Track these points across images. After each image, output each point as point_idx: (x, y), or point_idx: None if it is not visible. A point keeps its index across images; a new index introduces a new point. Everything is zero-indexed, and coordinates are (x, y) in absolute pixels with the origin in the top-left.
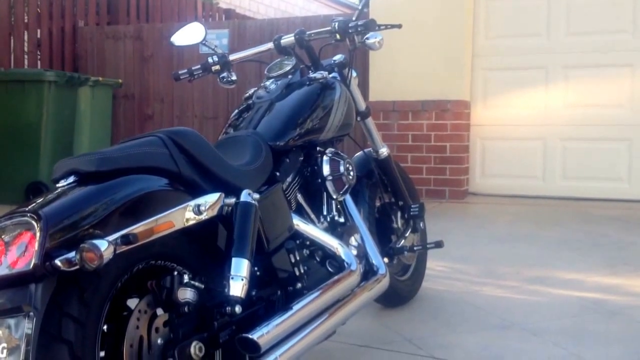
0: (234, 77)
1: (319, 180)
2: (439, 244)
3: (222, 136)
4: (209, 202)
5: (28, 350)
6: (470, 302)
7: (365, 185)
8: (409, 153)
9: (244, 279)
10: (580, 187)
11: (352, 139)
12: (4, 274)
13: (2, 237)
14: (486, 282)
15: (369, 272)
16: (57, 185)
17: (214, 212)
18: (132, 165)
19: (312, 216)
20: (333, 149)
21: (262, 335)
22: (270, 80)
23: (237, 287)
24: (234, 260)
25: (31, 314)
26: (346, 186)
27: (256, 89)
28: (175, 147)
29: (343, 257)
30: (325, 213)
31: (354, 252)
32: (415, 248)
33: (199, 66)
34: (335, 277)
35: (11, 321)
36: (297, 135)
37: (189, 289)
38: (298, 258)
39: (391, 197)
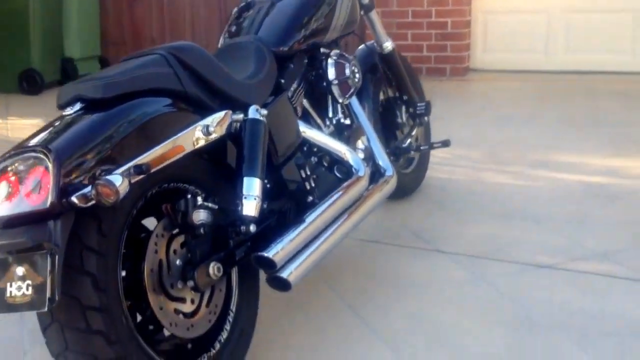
0: None
1: (324, 85)
2: (445, 143)
3: (222, 39)
4: (217, 121)
5: (54, 287)
6: (474, 190)
7: (369, 80)
8: (409, 30)
9: (257, 198)
10: (583, 60)
11: (354, 33)
12: (21, 212)
13: (15, 173)
14: (489, 168)
15: (376, 174)
16: (64, 113)
17: (222, 131)
18: (138, 89)
19: (318, 121)
20: (338, 51)
21: (277, 252)
22: None
23: (251, 207)
24: (245, 179)
25: (53, 250)
26: (352, 89)
27: None
28: (179, 64)
29: (351, 162)
30: (331, 117)
31: (361, 155)
32: (421, 148)
33: None
34: (345, 184)
35: (34, 258)
36: (301, 39)
37: (203, 210)
38: (307, 167)
39: (396, 91)
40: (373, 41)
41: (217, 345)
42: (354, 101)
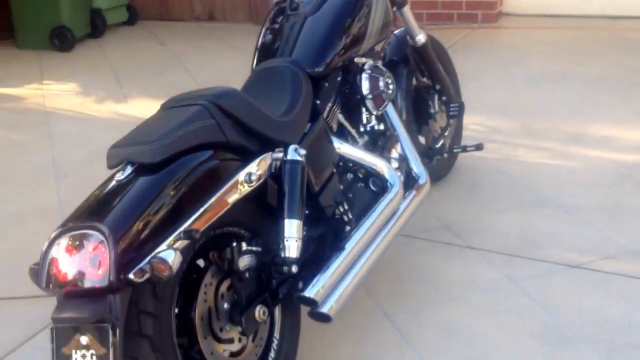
0: None
1: (358, 98)
2: (478, 147)
3: (256, 58)
4: (258, 168)
5: (115, 357)
6: (506, 171)
7: (402, 71)
8: None
9: (298, 240)
10: (621, 5)
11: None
12: (83, 288)
13: (75, 247)
14: (522, 144)
15: (409, 181)
16: (115, 178)
17: (264, 174)
18: (185, 147)
19: (353, 132)
20: (372, 62)
21: (317, 291)
22: None
23: (292, 249)
24: (286, 221)
25: (114, 323)
26: (386, 102)
27: None
28: (221, 113)
29: (386, 175)
30: (365, 128)
31: (395, 164)
32: (454, 150)
33: None
34: (381, 202)
35: (96, 329)
36: (336, 56)
37: (248, 255)
38: (343, 187)
39: (429, 81)
40: (402, 28)
41: None
42: (390, 107)
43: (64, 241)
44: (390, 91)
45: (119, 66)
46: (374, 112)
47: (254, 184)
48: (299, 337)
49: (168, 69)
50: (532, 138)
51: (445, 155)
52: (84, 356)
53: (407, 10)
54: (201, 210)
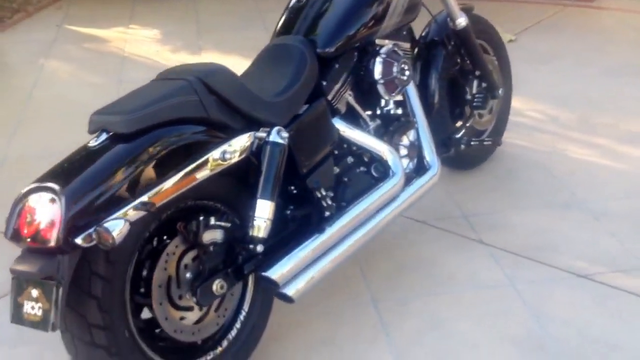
0: None
1: (370, 82)
2: (496, 141)
3: (273, 35)
4: (235, 147)
5: (57, 316)
6: (546, 167)
7: (438, 54)
8: None
9: (267, 221)
10: None
11: (424, 6)
12: (36, 246)
13: (33, 207)
14: (574, 138)
15: (420, 169)
16: (89, 143)
17: (243, 153)
18: (162, 120)
19: (364, 115)
20: (390, 46)
21: (280, 273)
22: None
23: (260, 229)
24: (258, 201)
25: (59, 283)
26: (399, 88)
27: None
28: (206, 90)
29: (389, 162)
30: (377, 112)
31: (404, 151)
32: (472, 142)
33: None
34: (377, 190)
35: (44, 285)
36: (350, 38)
37: (214, 229)
38: (339, 170)
39: (470, 66)
40: (444, 12)
41: (225, 343)
42: (410, 90)
43: (27, 199)
44: (405, 77)
45: (204, 18)
46: (386, 97)
47: (229, 162)
48: (270, 312)
49: (250, 25)
50: (587, 133)
51: (463, 146)
52: (32, 308)
53: None
54: (164, 184)
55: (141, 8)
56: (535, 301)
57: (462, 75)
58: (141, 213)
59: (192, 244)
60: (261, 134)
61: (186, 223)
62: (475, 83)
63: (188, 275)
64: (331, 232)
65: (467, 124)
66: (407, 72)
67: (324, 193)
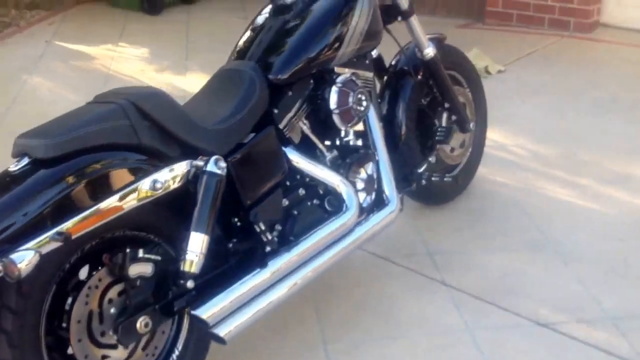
0: None
1: (325, 112)
2: (455, 179)
3: (228, 59)
4: (167, 177)
5: None
6: (521, 206)
7: (406, 83)
8: None
9: (199, 256)
10: None
11: (392, 36)
12: None
13: None
14: (554, 177)
15: (377, 204)
16: (9, 168)
17: (176, 184)
18: (87, 146)
19: (320, 146)
20: (348, 76)
21: (212, 312)
22: None
23: (192, 264)
24: (191, 235)
25: None
26: (354, 119)
27: None
28: (139, 114)
29: (344, 196)
30: (334, 143)
31: (361, 185)
32: (433, 177)
33: None
34: (327, 225)
35: None
36: (301, 65)
37: (144, 262)
38: (288, 203)
39: (439, 98)
40: (412, 43)
41: None
42: (372, 121)
43: None
44: (362, 108)
45: (194, 37)
46: (342, 128)
47: (160, 192)
48: (207, 352)
49: None
50: (568, 171)
51: (423, 182)
52: None
53: (414, 20)
54: (84, 213)
55: (132, 26)
56: (490, 350)
57: (431, 108)
58: (56, 244)
59: (118, 277)
60: (198, 162)
61: (112, 255)
62: (444, 116)
63: (112, 310)
64: (273, 268)
65: (430, 158)
66: (364, 103)
67: (268, 226)
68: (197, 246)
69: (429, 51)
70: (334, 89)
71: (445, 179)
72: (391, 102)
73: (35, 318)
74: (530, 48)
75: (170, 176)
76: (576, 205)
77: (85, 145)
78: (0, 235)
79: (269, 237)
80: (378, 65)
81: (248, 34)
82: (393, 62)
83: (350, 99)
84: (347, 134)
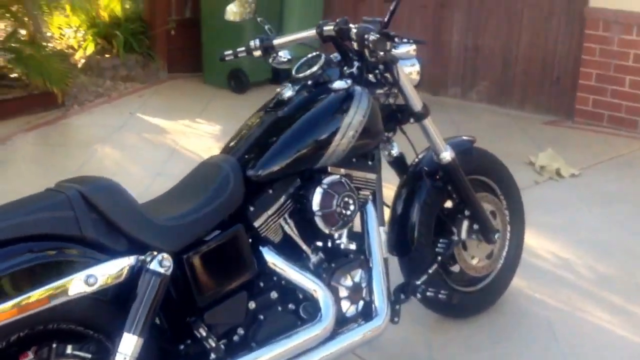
0: (284, 59)
1: (308, 213)
2: (450, 296)
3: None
4: (104, 272)
5: None
6: (554, 330)
7: (424, 185)
8: (627, 75)
9: (127, 357)
10: None
11: (406, 137)
12: None
13: None
14: (598, 298)
15: (364, 314)
16: None
17: (115, 280)
18: (24, 234)
19: (303, 247)
20: (337, 177)
21: None
22: (293, 84)
23: None
24: (124, 335)
25: None
26: (339, 223)
27: (283, 87)
28: (86, 206)
29: (320, 303)
30: (321, 245)
31: (344, 293)
32: (427, 293)
33: (243, 48)
34: (294, 334)
35: None
36: (284, 166)
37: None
38: (255, 306)
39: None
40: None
41: None
42: (370, 225)
43: None
44: (348, 212)
45: None
46: (326, 231)
47: (96, 287)
48: None
49: None
50: (615, 293)
51: (418, 295)
52: None
53: (428, 123)
54: (5, 303)
55: (216, 103)
56: None
57: (449, 214)
58: None
59: None
60: (144, 259)
61: (39, 348)
62: (465, 224)
63: None
64: None
65: (430, 270)
66: (351, 207)
67: (224, 330)
68: (128, 348)
69: (446, 155)
70: (319, 190)
71: (439, 296)
72: (405, 204)
73: None
74: (615, 152)
75: (109, 271)
76: (614, 335)
77: (22, 234)
78: None
79: (225, 341)
80: (399, 165)
81: (240, 129)
82: (414, 163)
83: (334, 202)
84: (338, 237)
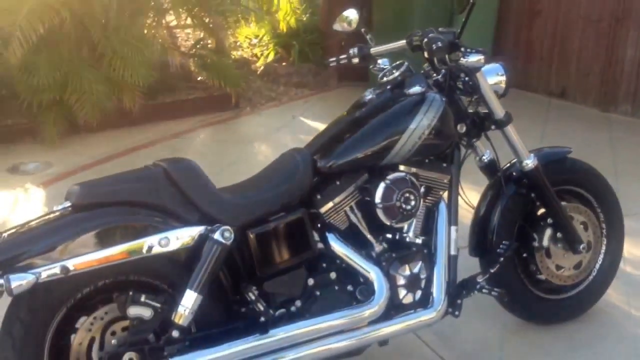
0: (383, 66)
1: (371, 205)
2: (501, 295)
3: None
4: (176, 237)
5: None
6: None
7: (508, 191)
8: None
9: (187, 310)
10: None
11: (490, 143)
12: None
13: None
14: None
15: (422, 303)
16: (53, 208)
17: (188, 243)
18: (115, 200)
19: (368, 236)
20: (402, 175)
21: None
22: (376, 88)
23: (180, 317)
24: (187, 291)
25: None
26: (399, 217)
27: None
28: (168, 180)
29: (375, 287)
30: (386, 236)
31: (401, 281)
32: (483, 290)
33: (345, 55)
34: (344, 310)
35: None
36: (351, 161)
37: (141, 306)
38: (313, 282)
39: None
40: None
41: None
42: (440, 222)
43: None
44: (409, 207)
45: None
46: (388, 223)
47: (168, 248)
48: None
49: None
50: None
51: (474, 292)
52: None
53: (510, 130)
54: (91, 255)
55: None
56: None
57: (532, 221)
58: (57, 275)
59: (122, 315)
60: (209, 229)
61: (120, 294)
62: (548, 232)
63: (113, 341)
64: (271, 338)
65: (492, 270)
66: (412, 202)
67: (279, 299)
68: (188, 302)
69: (529, 162)
70: (382, 184)
71: (492, 294)
72: (487, 208)
73: (41, 332)
74: None
75: (181, 236)
76: None
77: (114, 199)
78: (16, 259)
79: (283, 310)
80: (489, 170)
81: (326, 127)
82: (504, 167)
83: (395, 197)
84: (405, 230)
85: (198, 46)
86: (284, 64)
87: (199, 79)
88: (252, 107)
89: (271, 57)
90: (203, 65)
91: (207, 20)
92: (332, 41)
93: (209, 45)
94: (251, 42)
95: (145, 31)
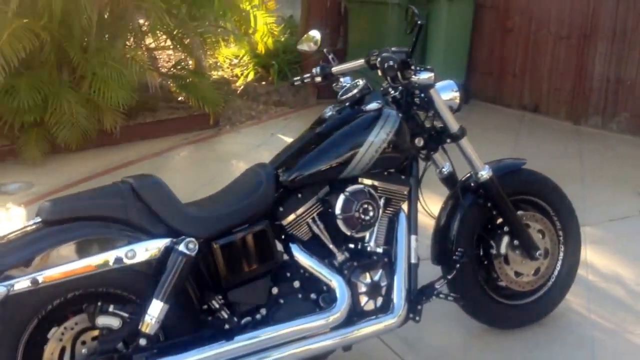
0: (345, 84)
1: (331, 216)
2: (457, 299)
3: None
4: (141, 249)
5: None
6: (595, 347)
7: (468, 199)
8: None
9: (154, 319)
10: None
11: (447, 156)
12: None
13: None
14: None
15: (383, 310)
16: (25, 224)
17: (154, 255)
18: (82, 215)
19: (330, 246)
20: (361, 187)
21: None
22: (336, 105)
23: (147, 326)
24: (153, 301)
25: None
26: (358, 227)
27: (332, 107)
28: (135, 196)
29: (337, 294)
30: (347, 245)
31: (362, 289)
32: (440, 296)
33: (308, 75)
34: (306, 317)
35: None
36: (311, 175)
37: (109, 316)
38: (277, 291)
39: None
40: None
41: None
42: (400, 232)
43: None
44: (368, 217)
45: None
46: (348, 233)
47: (135, 260)
48: None
49: None
50: None
51: (433, 298)
52: None
53: (465, 143)
54: (60, 268)
55: None
56: None
57: (489, 229)
58: (28, 287)
59: (92, 325)
60: (175, 241)
61: (88, 305)
62: (505, 240)
63: (84, 351)
64: (236, 344)
65: (449, 276)
66: (370, 214)
67: (243, 307)
68: (155, 311)
69: (483, 174)
70: (341, 196)
71: (448, 298)
72: (447, 218)
73: (13, 342)
74: None
75: (147, 249)
76: None
77: (83, 214)
78: None
79: (248, 318)
80: (449, 182)
81: (291, 143)
82: (463, 178)
83: (354, 207)
84: (366, 240)
85: (178, 67)
86: (263, 83)
87: (179, 99)
88: (232, 125)
89: (251, 76)
90: (182, 86)
91: (186, 41)
92: (310, 60)
93: (189, 66)
94: (232, 62)
95: (126, 54)
